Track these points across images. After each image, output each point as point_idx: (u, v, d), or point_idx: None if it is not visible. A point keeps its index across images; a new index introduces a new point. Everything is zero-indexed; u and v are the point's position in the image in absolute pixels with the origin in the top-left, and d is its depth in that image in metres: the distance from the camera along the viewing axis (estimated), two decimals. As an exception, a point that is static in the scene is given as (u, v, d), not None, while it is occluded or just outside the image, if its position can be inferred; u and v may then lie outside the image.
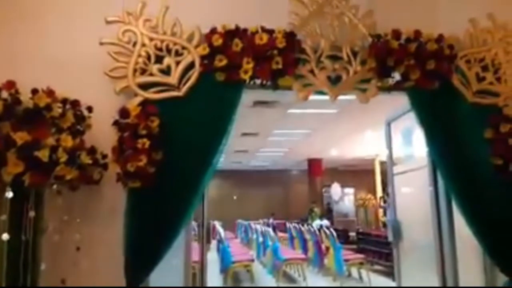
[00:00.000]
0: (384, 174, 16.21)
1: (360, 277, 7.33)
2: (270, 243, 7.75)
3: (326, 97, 2.51)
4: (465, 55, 2.61)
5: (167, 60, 2.37)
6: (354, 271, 7.46)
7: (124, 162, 2.13)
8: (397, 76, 2.54)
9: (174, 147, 2.25)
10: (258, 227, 10.27)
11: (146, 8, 2.37)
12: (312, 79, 2.47)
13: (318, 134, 11.80)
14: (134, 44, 2.34)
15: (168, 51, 2.38)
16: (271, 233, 7.69)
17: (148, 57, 2.34)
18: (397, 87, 2.56)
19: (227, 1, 2.77)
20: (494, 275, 2.64)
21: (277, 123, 9.69)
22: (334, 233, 7.21)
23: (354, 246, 8.95)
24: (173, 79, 2.35)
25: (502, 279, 2.52)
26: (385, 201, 14.17)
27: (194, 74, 2.36)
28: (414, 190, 3.28)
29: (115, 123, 2.21)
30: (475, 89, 2.58)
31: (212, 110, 2.37)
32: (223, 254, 7.23)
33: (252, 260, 7.07)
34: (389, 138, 3.58)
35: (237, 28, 2.42)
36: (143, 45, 2.35)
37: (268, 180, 20.32)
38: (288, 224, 10.95)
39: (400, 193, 3.45)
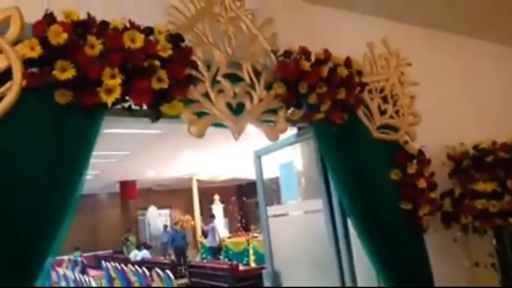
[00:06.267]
0: (201, 192, 16.03)
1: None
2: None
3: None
4: (367, 83, 2.27)
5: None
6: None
7: None
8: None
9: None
10: (69, 273, 8.38)
11: None
12: (208, 106, 1.71)
13: (136, 156, 10.66)
14: None
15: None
16: None
17: None
18: (304, 119, 2.03)
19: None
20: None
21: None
22: (171, 275, 6.27)
23: (186, 281, 8.16)
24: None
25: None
26: (206, 223, 13.91)
27: (12, 90, 1.30)
28: (296, 236, 2.81)
29: None
30: (379, 124, 2.27)
31: (48, 147, 1.37)
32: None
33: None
34: (260, 174, 3.04)
35: (91, 18, 1.48)
36: None
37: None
38: (104, 263, 9.35)
39: (278, 238, 2.94)
